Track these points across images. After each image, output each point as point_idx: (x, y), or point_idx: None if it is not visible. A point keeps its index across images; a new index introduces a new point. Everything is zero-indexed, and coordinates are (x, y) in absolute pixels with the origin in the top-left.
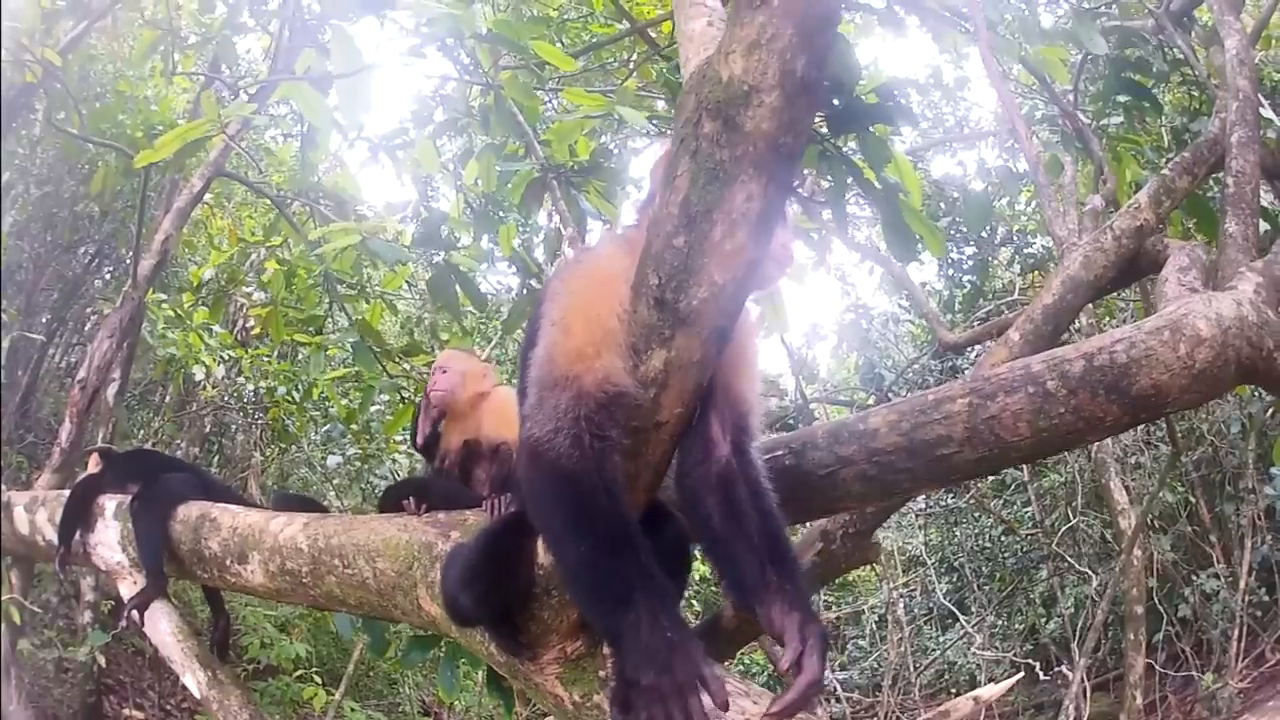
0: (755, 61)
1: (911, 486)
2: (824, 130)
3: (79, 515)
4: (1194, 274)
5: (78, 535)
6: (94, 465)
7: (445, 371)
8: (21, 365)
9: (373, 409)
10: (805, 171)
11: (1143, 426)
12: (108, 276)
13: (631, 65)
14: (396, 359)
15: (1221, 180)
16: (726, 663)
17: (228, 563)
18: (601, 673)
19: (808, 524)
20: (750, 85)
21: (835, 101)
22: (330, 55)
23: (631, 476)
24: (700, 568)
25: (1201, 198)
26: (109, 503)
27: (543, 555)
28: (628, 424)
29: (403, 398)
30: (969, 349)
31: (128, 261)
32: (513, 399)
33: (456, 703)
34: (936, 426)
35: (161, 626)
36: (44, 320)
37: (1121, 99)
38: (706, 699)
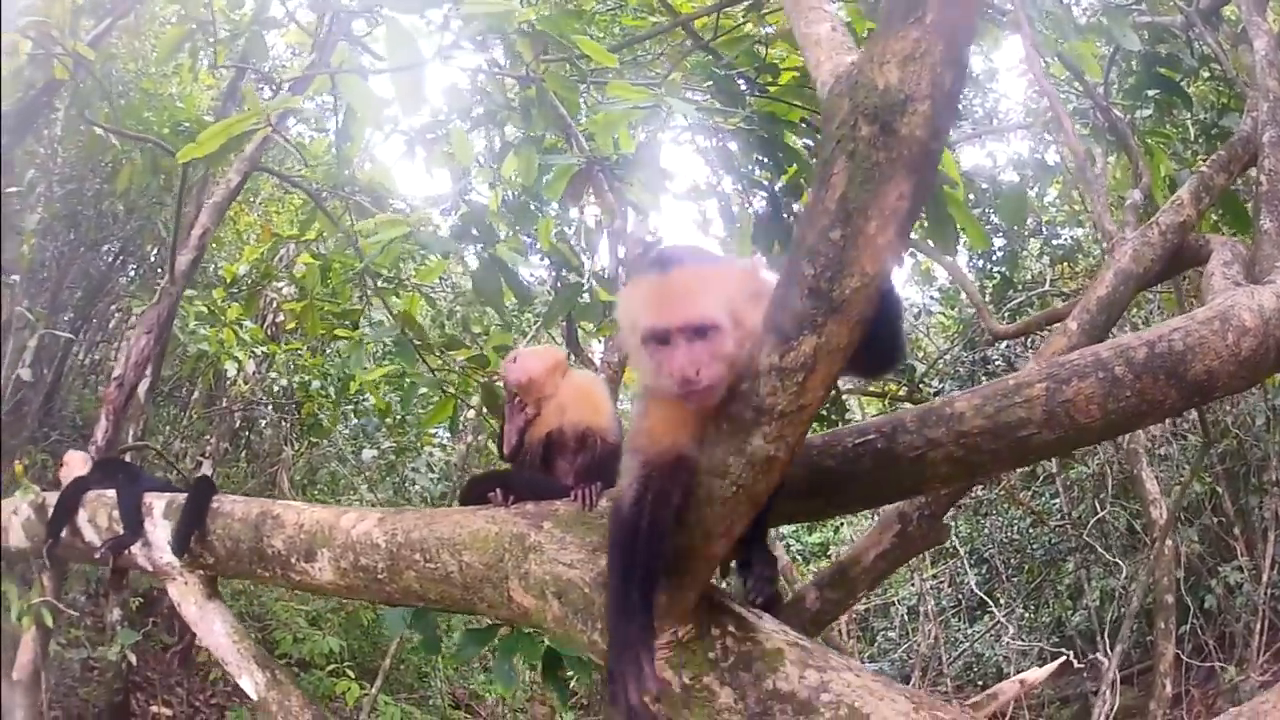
0: (910, 73)
1: (993, 467)
2: None
3: (67, 513)
4: (1237, 268)
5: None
6: (81, 466)
7: (516, 360)
8: (46, 363)
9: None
10: None
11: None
12: (132, 273)
13: (663, 56)
14: (438, 353)
15: (1255, 179)
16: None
17: (293, 560)
18: (711, 654)
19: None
20: (906, 94)
21: None
22: (365, 50)
23: (772, 458)
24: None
25: (1232, 193)
26: (158, 503)
27: None
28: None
29: (444, 391)
30: (990, 343)
31: (152, 259)
32: (595, 383)
33: (487, 695)
34: (1018, 409)
35: (216, 627)
36: (67, 318)
37: (1152, 93)
38: None
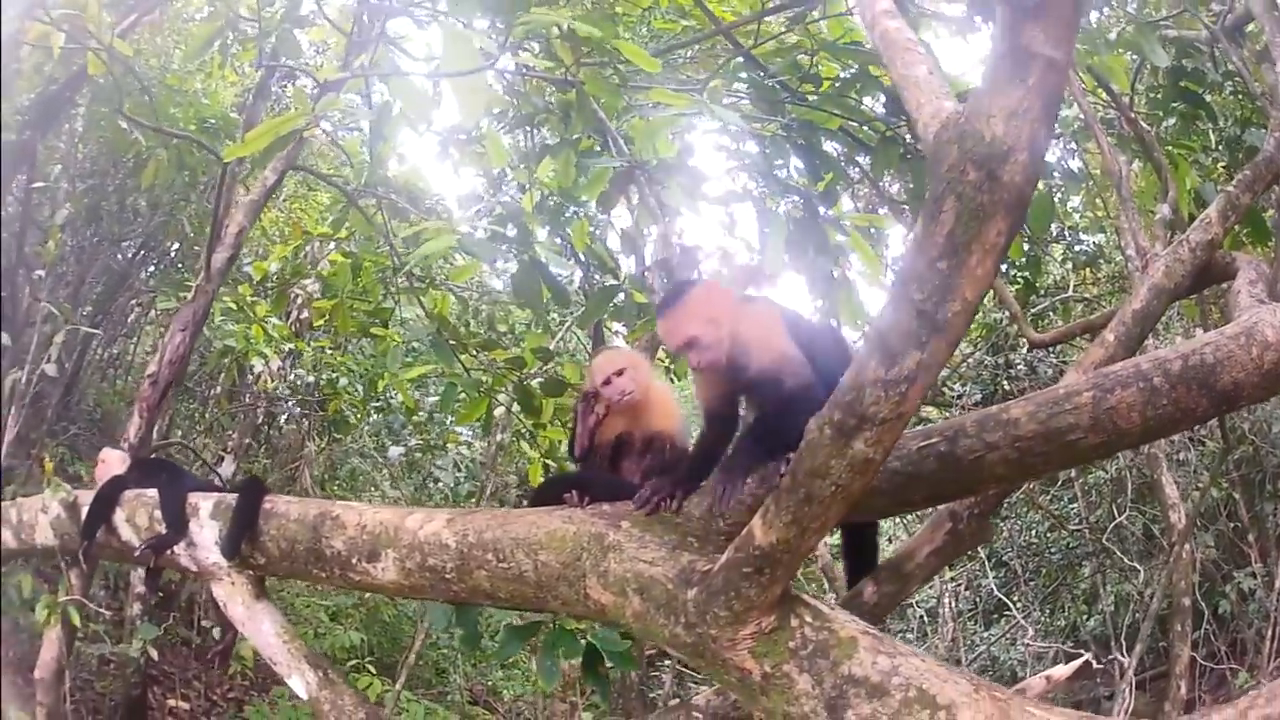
0: (1013, 127)
1: (1044, 469)
2: (908, 136)
3: (104, 512)
4: (1260, 286)
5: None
6: (119, 465)
7: (622, 374)
8: (66, 356)
9: (432, 400)
10: (888, 173)
11: None
12: (153, 269)
13: (695, 60)
14: (474, 352)
15: (1278, 197)
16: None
17: (354, 561)
18: (791, 643)
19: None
20: (1009, 146)
21: None
22: (401, 50)
23: (870, 460)
24: None
25: (1255, 209)
26: (204, 503)
27: (760, 535)
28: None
29: (479, 390)
30: (1014, 348)
31: (173, 255)
32: (666, 390)
33: (505, 692)
34: (1067, 416)
35: (264, 628)
36: (86, 311)
37: (1177, 106)
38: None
